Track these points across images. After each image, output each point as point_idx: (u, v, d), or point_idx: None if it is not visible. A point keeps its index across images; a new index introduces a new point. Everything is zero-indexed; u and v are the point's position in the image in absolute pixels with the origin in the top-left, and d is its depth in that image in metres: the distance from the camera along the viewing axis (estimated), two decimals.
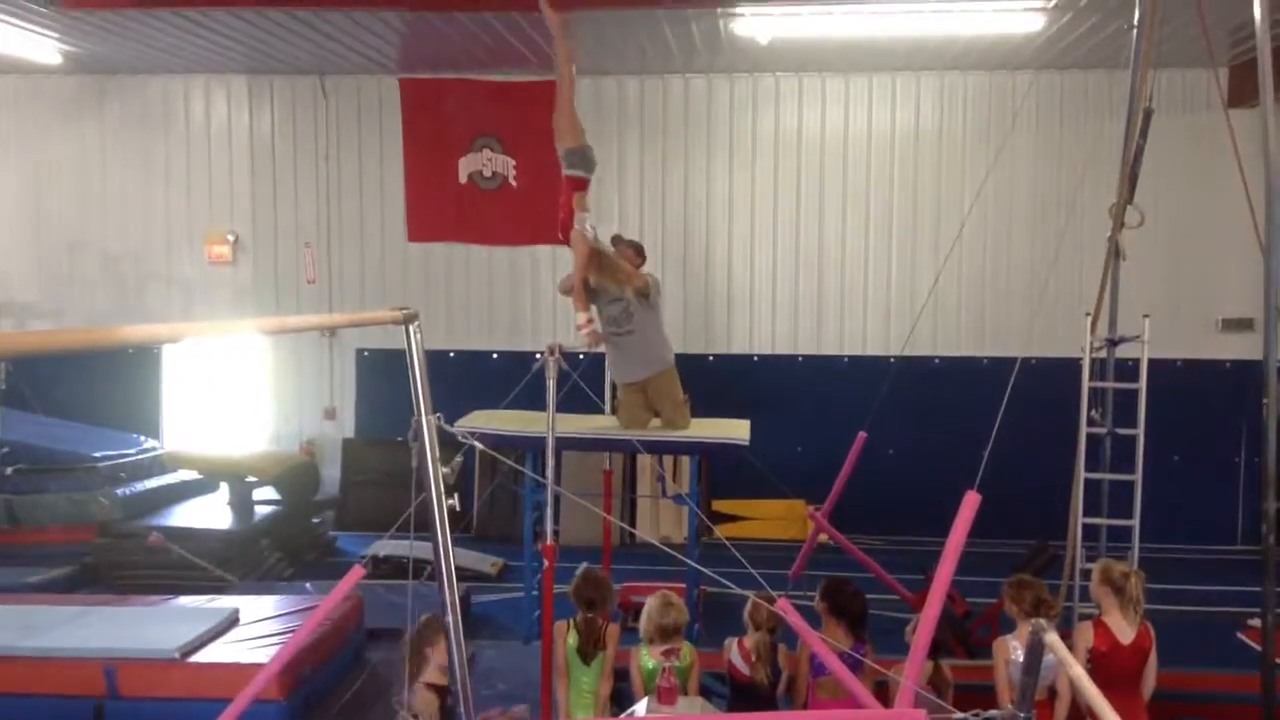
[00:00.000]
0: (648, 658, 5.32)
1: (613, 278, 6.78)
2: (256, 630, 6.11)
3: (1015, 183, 11.15)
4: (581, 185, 6.94)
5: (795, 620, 4.33)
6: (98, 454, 9.75)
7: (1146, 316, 7.06)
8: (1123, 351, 7.66)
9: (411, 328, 3.39)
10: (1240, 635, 7.81)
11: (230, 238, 11.88)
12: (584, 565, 6.15)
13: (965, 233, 9.84)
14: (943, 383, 11.06)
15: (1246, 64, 9.60)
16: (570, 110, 7.05)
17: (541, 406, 6.14)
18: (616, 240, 7.48)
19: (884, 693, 5.14)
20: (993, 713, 3.27)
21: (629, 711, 5.15)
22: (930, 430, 10.74)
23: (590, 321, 6.92)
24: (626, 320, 6.96)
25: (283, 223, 11.94)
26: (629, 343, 6.98)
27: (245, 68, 11.53)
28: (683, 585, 7.19)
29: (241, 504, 9.90)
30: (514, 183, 11.67)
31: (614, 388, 8.40)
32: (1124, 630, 5.09)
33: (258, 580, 8.82)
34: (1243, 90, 10.14)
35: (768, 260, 11.62)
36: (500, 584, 9.34)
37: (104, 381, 11.33)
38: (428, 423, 3.39)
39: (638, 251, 7.36)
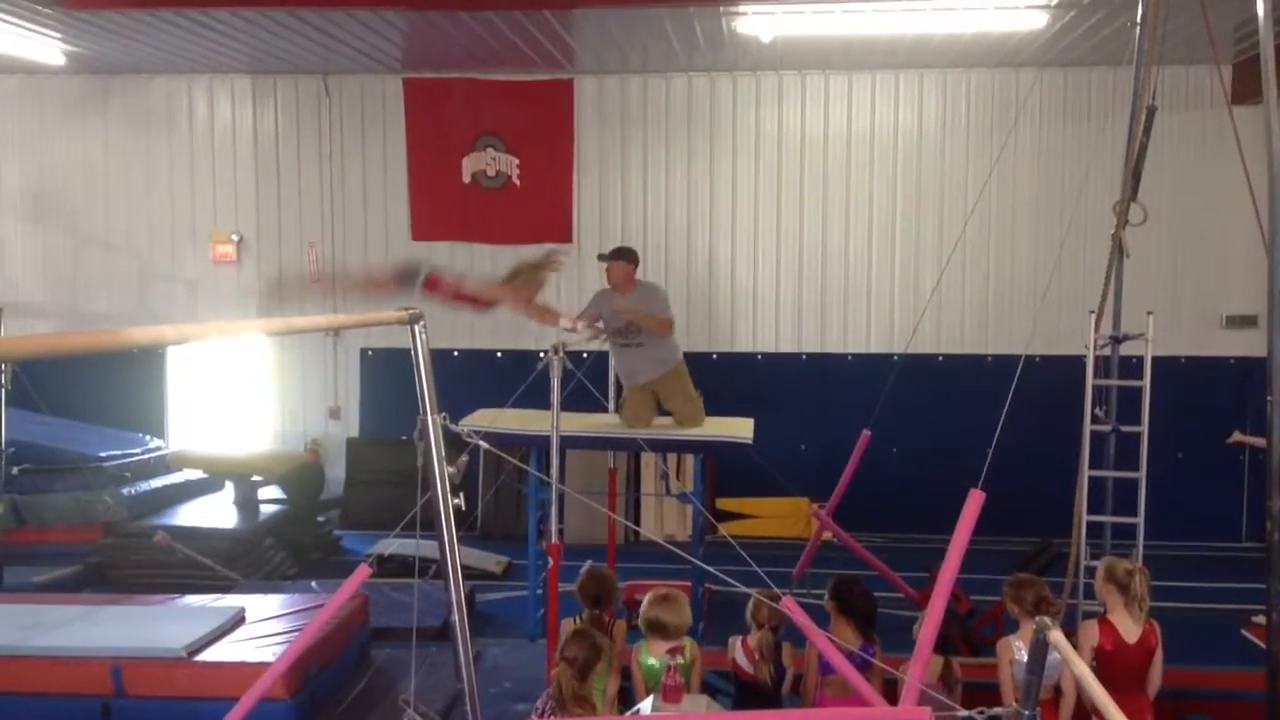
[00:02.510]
0: (648, 655, 5.33)
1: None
2: (262, 629, 6.11)
3: (1019, 180, 11.15)
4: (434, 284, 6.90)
5: (800, 618, 4.33)
6: (103, 454, 9.77)
7: (1150, 314, 7.07)
8: (1127, 349, 7.67)
9: (417, 328, 3.41)
10: (1245, 632, 7.81)
11: (234, 237, 11.90)
12: (589, 563, 6.16)
13: (969, 230, 9.84)
14: (947, 381, 11.06)
15: (1250, 61, 9.58)
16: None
17: (545, 405, 6.15)
18: (602, 257, 7.50)
19: (892, 691, 5.14)
20: (997, 710, 3.28)
21: (634, 709, 5.16)
22: (934, 428, 10.74)
23: (574, 320, 6.95)
24: (634, 334, 7.02)
25: (286, 222, 11.95)
26: (636, 353, 7.03)
27: (249, 67, 11.54)
28: (687, 583, 7.22)
29: (247, 503, 9.92)
30: (518, 182, 11.68)
31: (619, 386, 8.43)
32: (1129, 628, 5.09)
33: (263, 579, 8.83)
34: (1246, 87, 10.11)
35: (771, 258, 11.62)
36: (505, 582, 9.35)
37: (109, 381, 11.35)
38: (433, 422, 3.41)
39: (629, 257, 7.35)
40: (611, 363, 8.42)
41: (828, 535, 8.01)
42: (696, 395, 7.18)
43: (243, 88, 11.89)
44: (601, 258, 7.50)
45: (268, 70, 11.62)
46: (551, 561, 5.99)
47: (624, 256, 7.37)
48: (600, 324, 7.28)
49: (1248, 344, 10.57)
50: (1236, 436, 10.22)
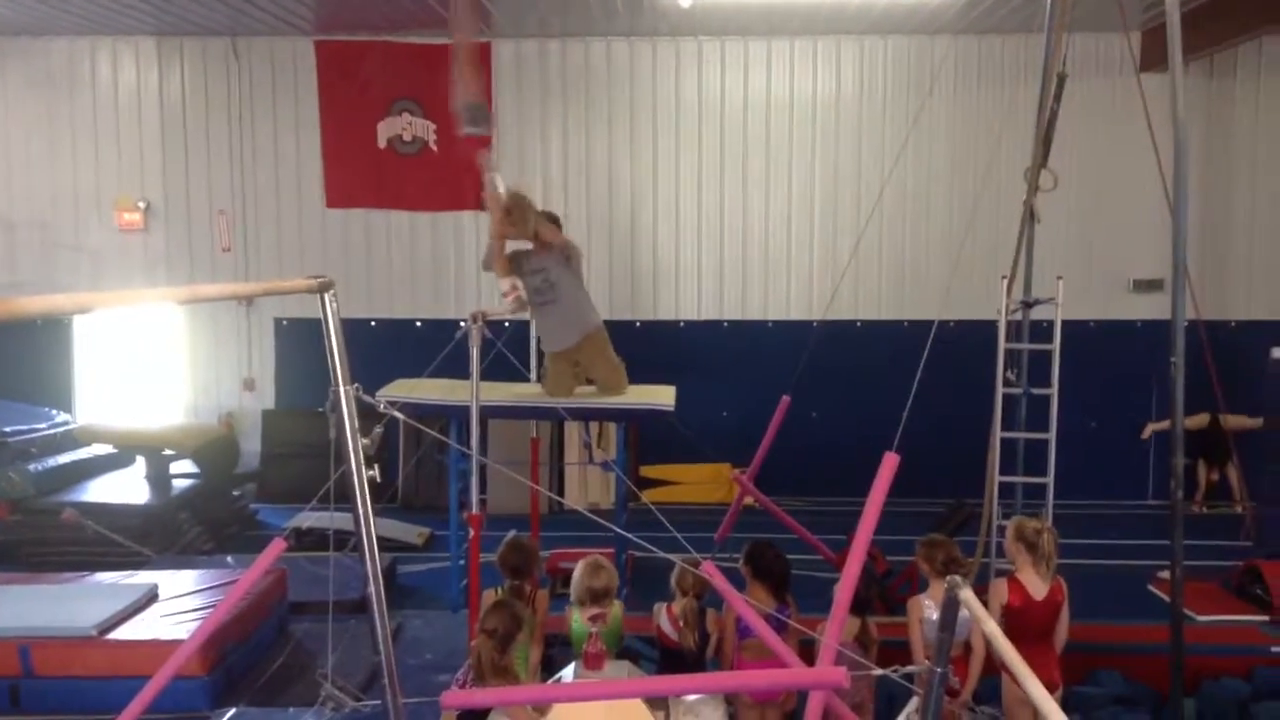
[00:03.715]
0: (579, 622, 5.35)
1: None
2: (176, 606, 6.00)
3: (934, 147, 11.29)
4: (484, 143, 6.81)
5: (720, 583, 4.37)
6: (7, 429, 9.48)
7: (1060, 278, 7.23)
8: (1037, 313, 7.84)
9: (327, 296, 3.32)
10: (1150, 587, 8.07)
11: (141, 205, 11.55)
12: (511, 533, 6.13)
13: (885, 197, 9.96)
14: (864, 346, 11.20)
15: (1158, 29, 9.83)
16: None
17: (465, 375, 6.09)
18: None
19: (809, 652, 5.21)
20: (911, 668, 3.35)
21: (556, 676, 5.17)
22: (852, 393, 10.88)
23: (515, 289, 6.86)
24: (549, 290, 6.93)
25: (195, 189, 11.64)
26: (554, 310, 6.94)
27: (153, 29, 11.17)
28: (611, 550, 7.23)
29: (159, 478, 9.69)
30: (434, 147, 11.51)
31: (540, 357, 8.37)
32: (1037, 586, 5.23)
33: (177, 555, 8.65)
34: (1154, 55, 10.38)
35: (692, 226, 11.63)
36: (427, 554, 9.28)
37: (12, 354, 11.00)
38: (346, 393, 3.34)
39: (553, 220, 7.31)
40: (532, 331, 8.36)
41: (749, 500, 8.07)
42: (619, 362, 7.16)
43: (148, 50, 11.50)
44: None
45: (173, 32, 11.26)
46: (472, 532, 5.95)
47: (549, 216, 7.31)
48: (520, 285, 7.20)
49: (1154, 307, 10.88)
50: (1149, 429, 10.54)
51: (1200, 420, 9.85)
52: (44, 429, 9.95)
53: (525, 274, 6.88)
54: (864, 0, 9.90)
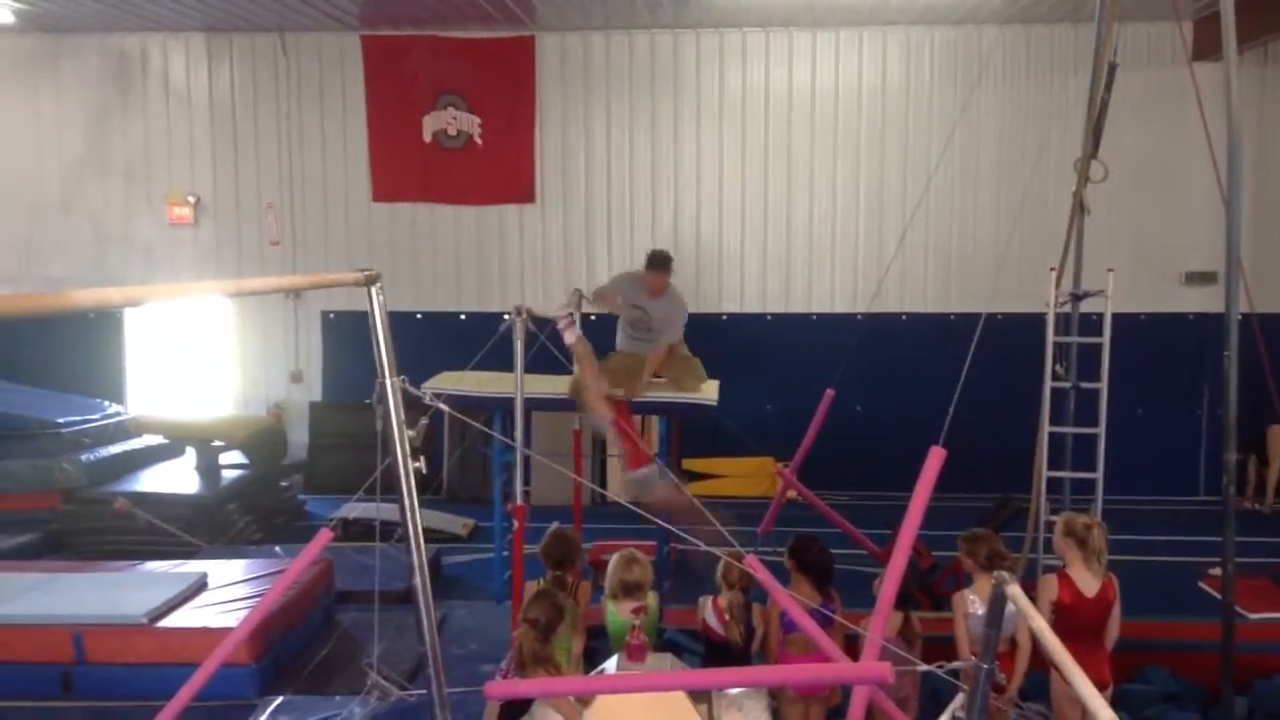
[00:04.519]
0: (615, 615, 5.35)
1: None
2: (225, 595, 6.07)
3: (981, 138, 11.16)
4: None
5: (764, 577, 4.36)
6: (61, 420, 9.63)
7: (1111, 271, 7.12)
8: (1087, 306, 7.73)
9: (374, 289, 3.35)
10: (1201, 584, 7.94)
11: (191, 199, 11.71)
12: (554, 524, 6.15)
13: (931, 189, 9.86)
14: (909, 339, 11.11)
15: (1211, 17, 9.62)
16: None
17: (510, 367, 6.12)
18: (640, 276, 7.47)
19: (854, 647, 5.19)
20: (957, 664, 3.32)
21: (599, 669, 5.19)
22: (897, 386, 10.79)
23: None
24: (644, 329, 7.09)
25: (244, 184, 11.79)
26: (642, 347, 7.16)
27: (203, 25, 11.32)
28: (654, 543, 7.24)
29: (208, 468, 9.83)
30: (479, 141, 11.55)
31: None
32: (1088, 582, 5.16)
33: (226, 544, 8.77)
34: (1207, 44, 10.18)
35: (736, 217, 11.59)
36: (472, 544, 9.34)
37: (67, 346, 11.19)
38: (391, 385, 3.37)
39: (668, 270, 7.34)
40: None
41: (792, 494, 8.04)
42: (697, 362, 7.32)
43: (197, 45, 11.65)
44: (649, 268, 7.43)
45: (222, 28, 11.39)
46: (516, 524, 5.98)
47: (665, 268, 7.35)
48: (620, 300, 7.33)
49: (1207, 300, 10.67)
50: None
51: None
52: (96, 420, 10.11)
53: (627, 304, 7.01)
54: None
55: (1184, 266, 11.18)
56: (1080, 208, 7.48)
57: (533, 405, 6.77)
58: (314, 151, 11.71)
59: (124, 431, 10.26)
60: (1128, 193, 10.73)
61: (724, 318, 11.63)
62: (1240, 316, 5.82)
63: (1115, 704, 5.72)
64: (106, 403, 10.65)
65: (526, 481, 6.16)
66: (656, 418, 9.22)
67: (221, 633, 4.78)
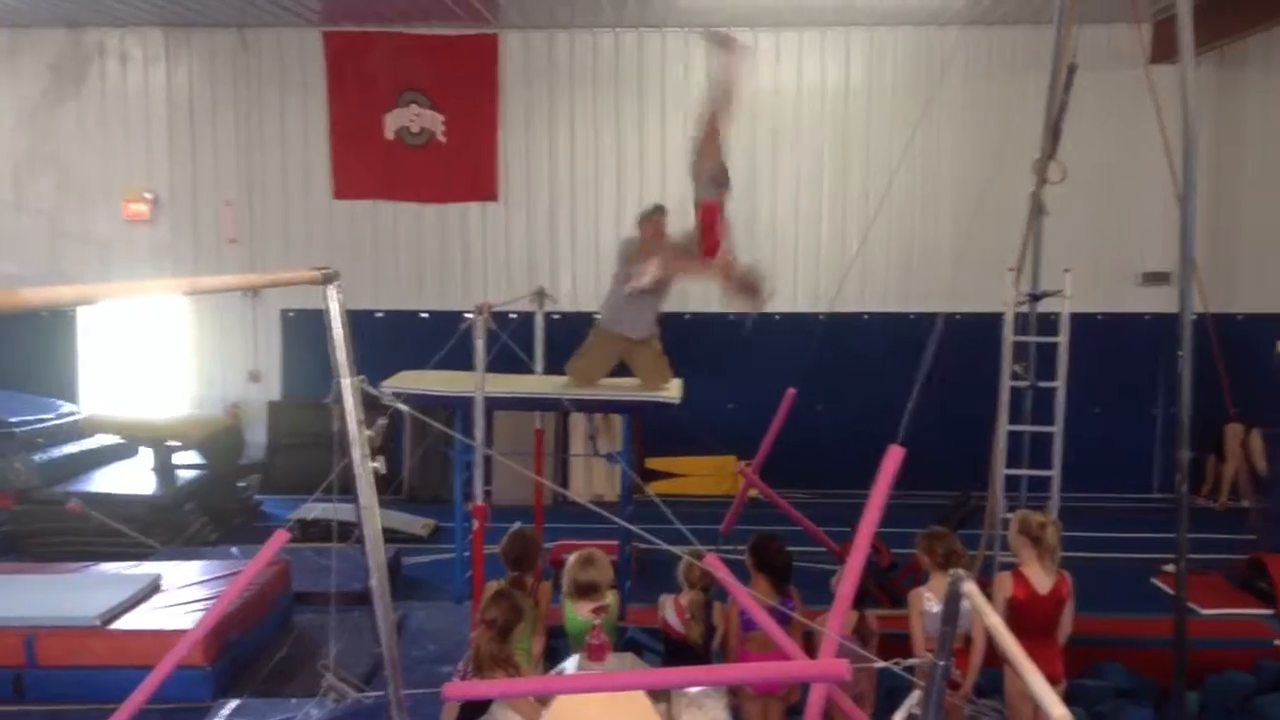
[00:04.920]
0: (573, 614, 5.34)
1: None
2: (180, 596, 5.99)
3: (942, 139, 11.24)
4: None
5: (724, 575, 4.36)
6: (14, 419, 9.49)
7: (1068, 271, 7.19)
8: (1045, 306, 7.80)
9: (331, 288, 3.32)
10: (1155, 580, 8.04)
11: (148, 196, 11.57)
12: (515, 525, 6.13)
13: (893, 189, 9.91)
14: (870, 339, 11.18)
15: (1168, 20, 9.72)
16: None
17: (471, 366, 6.08)
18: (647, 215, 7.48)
19: (812, 644, 5.21)
20: (912, 661, 3.34)
21: (558, 668, 5.17)
22: (858, 386, 10.85)
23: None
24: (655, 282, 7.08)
25: (202, 180, 11.66)
26: (649, 302, 7.09)
27: (161, 20, 11.18)
28: (616, 543, 7.23)
29: (164, 469, 9.70)
30: (442, 139, 11.50)
31: (545, 347, 8.35)
32: (1042, 580, 5.21)
33: (182, 546, 8.67)
34: (1165, 46, 10.28)
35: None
36: (432, 545, 9.29)
37: (19, 346, 11.04)
38: (349, 385, 3.34)
39: (659, 211, 7.39)
40: (539, 324, 8.35)
41: (754, 492, 8.06)
42: (667, 361, 7.29)
43: (155, 41, 11.51)
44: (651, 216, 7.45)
45: (181, 23, 11.26)
46: (476, 524, 5.95)
47: (661, 210, 7.42)
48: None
49: (1163, 300, 10.80)
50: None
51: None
52: (50, 419, 9.97)
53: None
54: None
55: (1140, 267, 11.32)
56: (1038, 208, 7.55)
57: (494, 404, 6.73)
58: (274, 148, 11.61)
59: (78, 431, 10.12)
60: (1086, 194, 10.81)
61: (687, 317, 11.64)
62: (1194, 316, 5.89)
63: (1069, 699, 5.78)
64: (60, 402, 10.51)
65: (488, 481, 6.12)
66: (618, 416, 9.21)
67: (176, 635, 4.71)
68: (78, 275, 11.19)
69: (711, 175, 6.78)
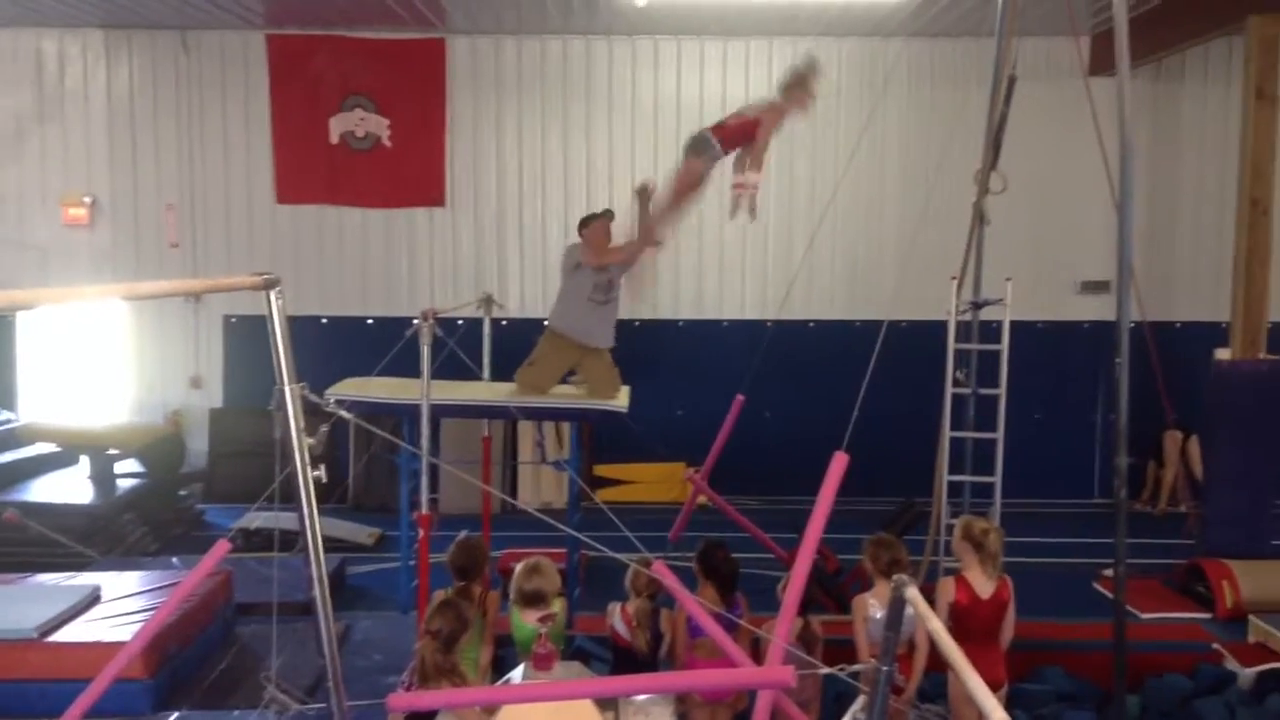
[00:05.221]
0: (520, 623, 5.31)
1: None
2: (119, 608, 5.88)
3: (886, 149, 11.37)
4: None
5: (671, 582, 4.36)
6: None
7: (1009, 280, 7.31)
8: (987, 314, 7.92)
9: (272, 294, 3.28)
10: (1096, 585, 8.17)
11: (87, 200, 11.36)
12: (462, 533, 6.09)
13: (838, 198, 10.01)
14: (816, 346, 11.26)
15: (1106, 33, 9.95)
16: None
17: (417, 373, 6.04)
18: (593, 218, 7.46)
19: (759, 651, 5.23)
20: (857, 666, 3.36)
21: (505, 678, 5.14)
22: (804, 393, 10.93)
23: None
24: (609, 291, 7.07)
25: (143, 184, 11.47)
26: (607, 311, 7.10)
27: (101, 21, 11.00)
28: (564, 551, 7.21)
29: (103, 478, 9.53)
30: (388, 143, 11.42)
31: (493, 354, 8.32)
32: (983, 585, 5.27)
33: (121, 556, 8.51)
34: (1103, 59, 10.50)
35: None
36: (378, 554, 9.20)
37: None
38: (290, 391, 3.30)
39: (607, 214, 7.40)
40: (487, 331, 8.32)
41: (703, 499, 8.09)
42: (617, 373, 7.28)
43: (95, 42, 11.32)
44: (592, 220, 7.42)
45: (122, 24, 11.09)
46: (421, 533, 5.90)
47: (608, 215, 7.41)
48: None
49: (1101, 308, 11.01)
50: None
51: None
52: None
53: (595, 271, 6.99)
54: (818, 3, 9.94)
55: (1080, 275, 11.52)
56: (980, 218, 7.66)
57: (440, 412, 6.69)
58: (216, 152, 11.45)
59: (15, 439, 9.92)
60: (1026, 203, 10.99)
61: (636, 324, 11.61)
62: (1132, 324, 6.00)
63: (1011, 703, 5.86)
64: None
65: (434, 490, 6.10)
66: (567, 424, 9.19)
67: (115, 647, 4.62)
68: (15, 280, 10.96)
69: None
